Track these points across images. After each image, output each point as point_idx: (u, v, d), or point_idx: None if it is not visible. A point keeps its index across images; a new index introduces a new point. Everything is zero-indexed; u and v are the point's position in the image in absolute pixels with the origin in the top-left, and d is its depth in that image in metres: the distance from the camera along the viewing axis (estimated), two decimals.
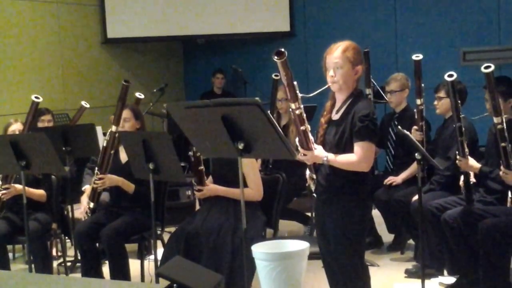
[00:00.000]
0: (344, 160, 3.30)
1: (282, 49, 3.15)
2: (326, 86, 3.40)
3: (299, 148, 3.35)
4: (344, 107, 3.39)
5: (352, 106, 3.35)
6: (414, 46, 8.29)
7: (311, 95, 3.34)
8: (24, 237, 4.63)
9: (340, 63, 3.32)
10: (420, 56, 4.85)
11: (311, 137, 3.33)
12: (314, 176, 3.46)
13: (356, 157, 3.28)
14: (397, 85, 5.33)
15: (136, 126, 4.85)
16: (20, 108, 7.31)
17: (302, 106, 3.27)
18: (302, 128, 3.28)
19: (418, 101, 4.89)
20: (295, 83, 3.22)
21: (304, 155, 3.33)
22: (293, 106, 3.25)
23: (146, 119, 5.32)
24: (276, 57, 3.14)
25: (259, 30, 9.25)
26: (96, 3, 8.86)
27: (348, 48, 3.35)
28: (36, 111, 4.96)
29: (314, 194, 3.54)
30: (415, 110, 4.99)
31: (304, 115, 3.28)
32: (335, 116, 3.42)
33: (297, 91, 3.24)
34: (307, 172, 3.51)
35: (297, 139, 3.36)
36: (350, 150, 3.31)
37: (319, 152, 3.32)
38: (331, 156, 3.31)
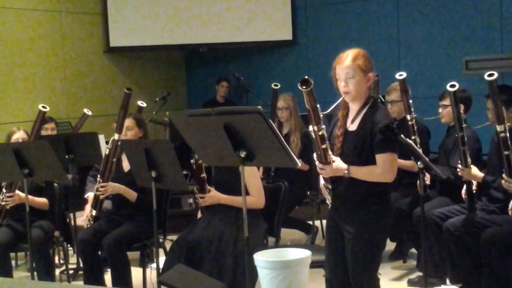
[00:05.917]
0: (367, 172, 3.26)
1: (307, 77, 3.14)
2: (341, 99, 3.37)
3: (317, 162, 3.31)
4: (360, 116, 3.33)
5: (369, 116, 3.29)
6: (417, 55, 8.31)
7: (328, 111, 3.33)
8: (26, 245, 4.62)
9: (352, 73, 3.26)
10: (404, 75, 4.83)
11: (329, 152, 3.29)
12: (330, 186, 3.41)
13: (380, 169, 3.23)
14: (398, 95, 5.20)
15: (139, 135, 4.86)
16: (23, 116, 7.34)
17: (324, 126, 3.26)
18: (324, 146, 3.25)
19: (408, 117, 4.88)
20: (318, 106, 3.21)
21: (322, 169, 3.29)
22: (316, 128, 3.23)
23: (149, 127, 5.33)
24: (303, 87, 3.13)
25: (261, 38, 9.28)
26: (99, 12, 8.89)
27: (358, 56, 3.28)
28: (42, 120, 4.99)
29: (328, 202, 3.50)
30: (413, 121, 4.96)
31: (326, 134, 3.27)
32: (351, 127, 3.35)
33: (320, 114, 3.24)
34: (321, 182, 3.47)
35: (314, 155, 3.34)
36: (372, 160, 3.26)
37: (338, 164, 3.27)
38: (352, 168, 3.26)
